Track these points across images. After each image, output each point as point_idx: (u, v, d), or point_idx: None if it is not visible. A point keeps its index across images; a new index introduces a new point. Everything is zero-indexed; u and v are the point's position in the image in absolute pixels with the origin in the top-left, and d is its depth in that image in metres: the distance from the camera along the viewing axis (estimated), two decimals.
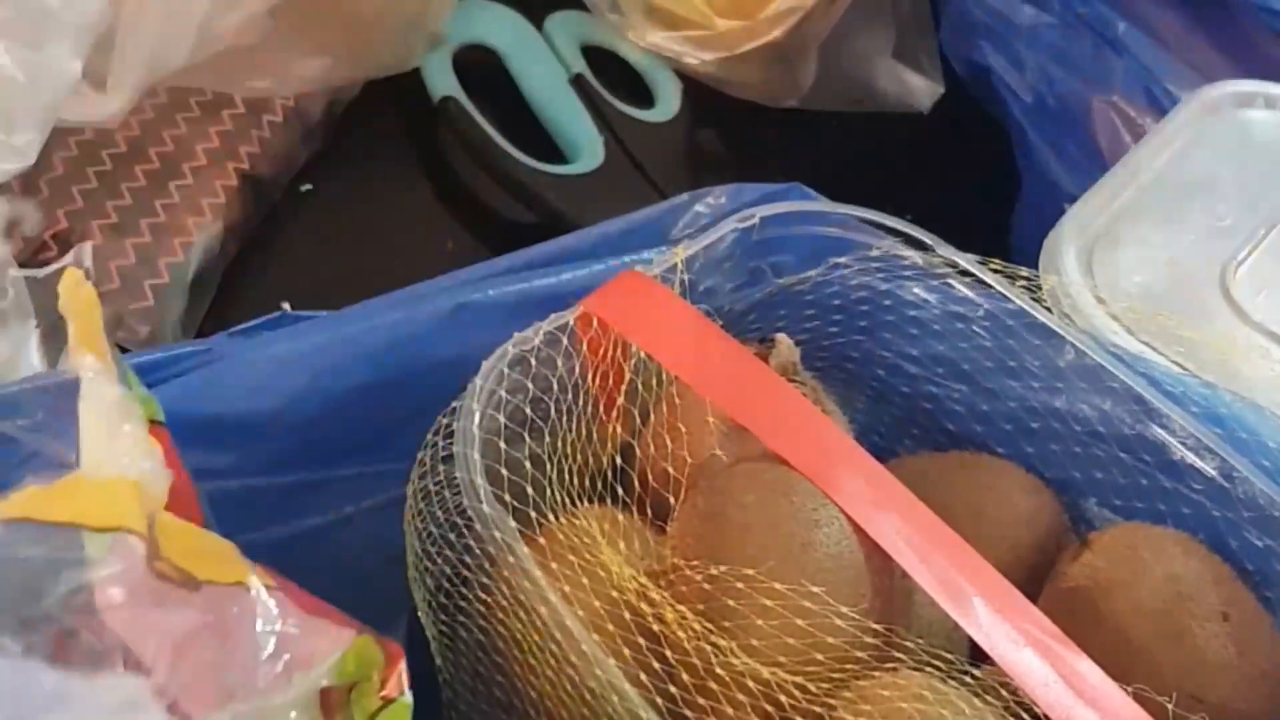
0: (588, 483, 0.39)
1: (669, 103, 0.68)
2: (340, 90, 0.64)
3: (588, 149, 0.64)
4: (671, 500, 0.38)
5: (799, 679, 0.33)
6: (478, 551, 0.36)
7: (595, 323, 0.40)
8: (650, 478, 0.40)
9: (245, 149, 0.59)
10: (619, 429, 0.41)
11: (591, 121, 0.65)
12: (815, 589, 0.34)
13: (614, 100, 0.66)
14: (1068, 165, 0.61)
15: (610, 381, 0.41)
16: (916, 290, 0.45)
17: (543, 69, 0.67)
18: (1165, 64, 0.60)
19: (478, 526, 0.35)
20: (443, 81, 0.64)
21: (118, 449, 0.27)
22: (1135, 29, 0.61)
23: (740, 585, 0.34)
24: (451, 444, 0.36)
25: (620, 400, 0.41)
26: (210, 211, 0.56)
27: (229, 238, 0.57)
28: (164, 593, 0.25)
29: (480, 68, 0.67)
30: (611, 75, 0.69)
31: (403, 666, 0.28)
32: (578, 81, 0.67)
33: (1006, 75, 0.65)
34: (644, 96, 0.69)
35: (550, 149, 0.65)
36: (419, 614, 0.40)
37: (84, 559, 0.24)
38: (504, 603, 0.35)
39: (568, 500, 0.38)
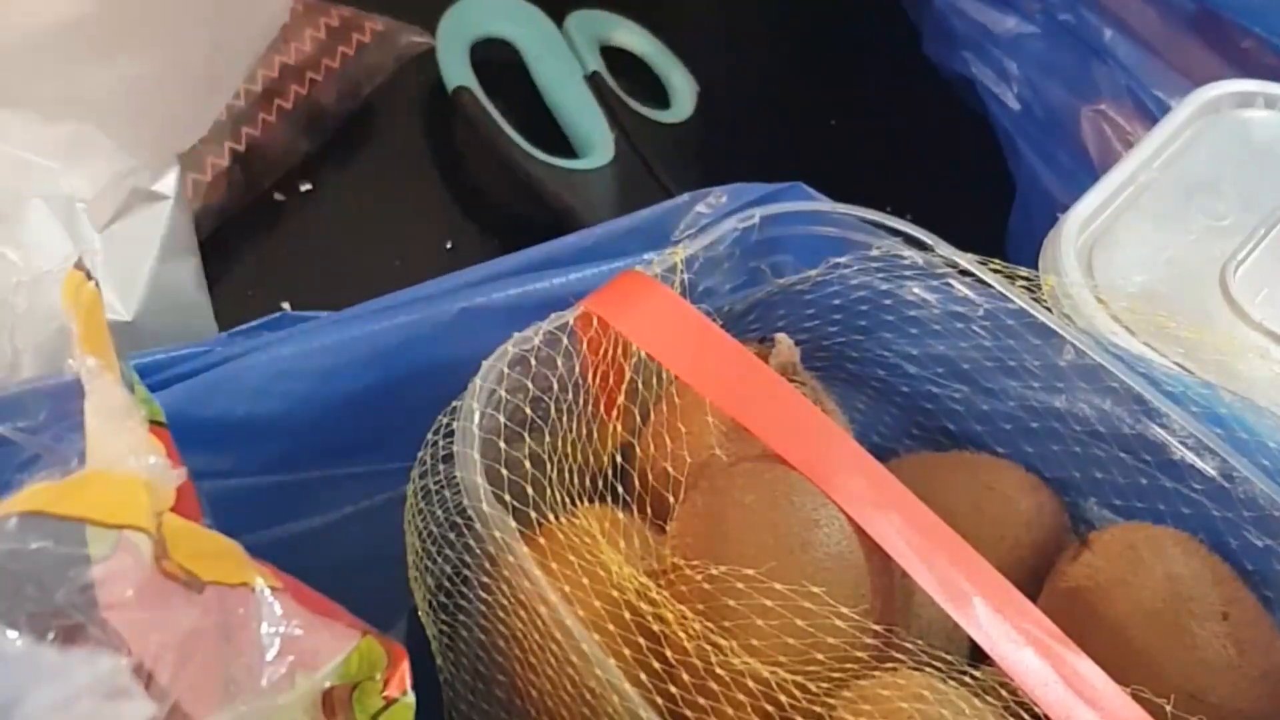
0: (588, 482, 0.39)
1: (683, 104, 0.68)
2: (359, 80, 0.64)
3: (598, 145, 0.64)
4: (671, 500, 0.38)
5: (799, 679, 0.33)
6: (478, 551, 0.36)
7: (595, 322, 0.40)
8: (650, 477, 0.40)
9: (247, 129, 0.59)
10: (619, 428, 0.41)
11: (604, 118, 0.65)
12: (815, 589, 0.34)
13: (628, 99, 0.67)
14: (1059, 175, 0.61)
15: (610, 381, 0.41)
16: (916, 290, 0.45)
17: (558, 64, 0.67)
18: (1153, 70, 0.60)
19: (478, 526, 0.35)
20: (458, 72, 0.64)
21: (124, 448, 0.27)
22: (1121, 36, 0.61)
23: (740, 585, 0.34)
24: (452, 443, 0.36)
25: (620, 399, 0.41)
26: (193, 189, 0.56)
27: (205, 216, 0.57)
28: (170, 593, 0.25)
29: (497, 61, 0.67)
30: (629, 75, 0.69)
31: (405, 667, 0.29)
32: (593, 79, 0.67)
33: (992, 85, 0.65)
34: (659, 97, 0.69)
35: (562, 144, 0.65)
36: (419, 614, 0.40)
37: (90, 556, 0.24)
38: (504, 602, 0.35)
39: (568, 500, 0.38)
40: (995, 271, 0.44)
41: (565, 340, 0.39)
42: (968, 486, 0.42)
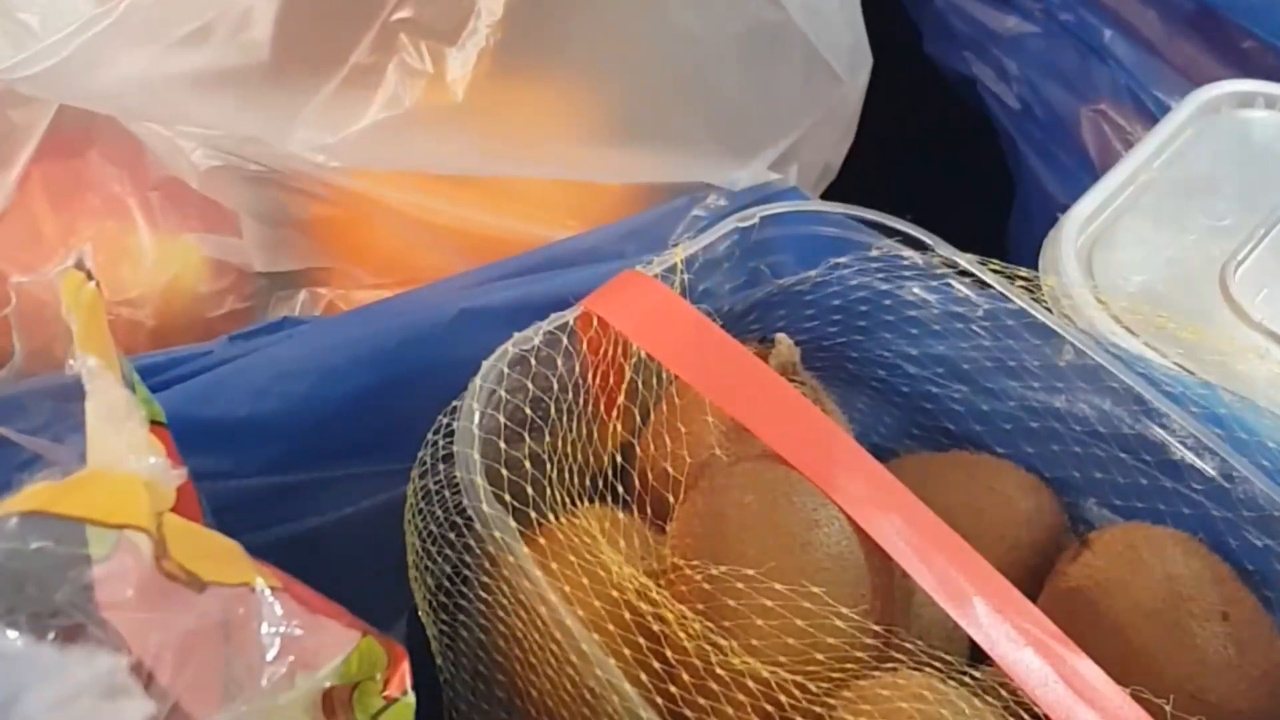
0: (588, 482, 0.39)
1: None
2: None
3: None
4: (671, 500, 0.38)
5: (799, 679, 0.33)
6: (478, 551, 0.36)
7: (595, 322, 0.40)
8: (650, 477, 0.40)
9: None
10: (619, 428, 0.41)
11: None
12: (815, 589, 0.34)
13: None
14: (1059, 175, 0.61)
15: (610, 381, 0.41)
16: (916, 290, 0.45)
17: None
18: (1152, 70, 0.60)
19: (478, 526, 0.35)
20: None
21: (125, 448, 0.27)
22: (1120, 36, 0.61)
23: (740, 585, 0.34)
24: (452, 443, 0.36)
25: (620, 399, 0.41)
26: None
27: None
28: (170, 593, 0.25)
29: None
30: None
31: (405, 667, 0.28)
32: None
33: (992, 85, 0.65)
34: None
35: None
36: (419, 614, 0.40)
37: (91, 556, 0.24)
38: (504, 602, 0.35)
39: (568, 500, 0.38)
40: (995, 271, 0.44)
41: (565, 340, 0.39)
42: (967, 487, 0.42)
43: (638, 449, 0.42)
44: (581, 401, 0.40)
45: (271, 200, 0.47)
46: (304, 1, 0.43)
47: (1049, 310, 0.44)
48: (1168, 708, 0.34)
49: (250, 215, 0.47)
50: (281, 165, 0.46)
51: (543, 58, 0.47)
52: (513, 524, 0.35)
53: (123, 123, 0.46)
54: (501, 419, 0.37)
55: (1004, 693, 0.34)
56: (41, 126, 0.47)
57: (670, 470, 0.39)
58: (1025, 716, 0.33)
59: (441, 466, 0.37)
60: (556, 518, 0.37)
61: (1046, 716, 0.33)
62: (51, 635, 0.24)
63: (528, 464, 0.37)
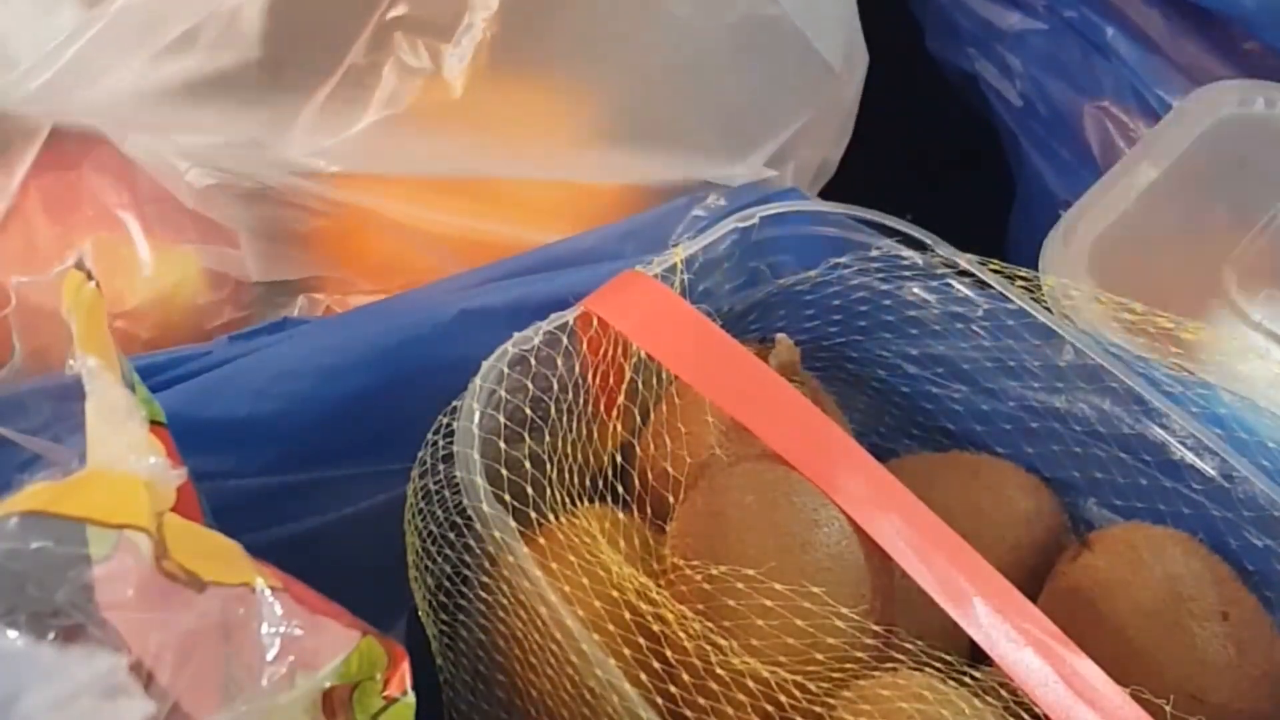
0: (588, 482, 0.39)
1: None
2: None
3: None
4: (671, 500, 0.38)
5: (799, 679, 0.33)
6: (478, 551, 0.36)
7: (595, 322, 0.40)
8: (650, 477, 0.40)
9: None
10: (619, 428, 0.41)
11: None
12: (815, 589, 0.34)
13: None
14: (1061, 172, 0.61)
15: (610, 380, 0.41)
16: (916, 290, 0.45)
17: None
18: (1155, 69, 0.60)
19: (478, 526, 0.35)
20: None
21: (125, 448, 0.27)
22: (1123, 34, 0.61)
23: (740, 585, 0.34)
24: (452, 443, 0.36)
25: (620, 399, 0.41)
26: None
27: None
28: (170, 593, 0.25)
29: None
30: None
31: (405, 667, 0.29)
32: None
33: (995, 82, 0.65)
34: None
35: None
36: (419, 614, 0.40)
37: (91, 556, 0.24)
38: (504, 602, 0.35)
39: (568, 500, 0.38)
40: (995, 272, 0.44)
41: (565, 340, 0.39)
42: (968, 487, 0.42)
43: (638, 449, 0.42)
44: (581, 401, 0.40)
45: (267, 215, 0.47)
46: (295, 1, 0.42)
47: (1049, 310, 0.44)
48: (1168, 708, 0.34)
49: (246, 230, 0.47)
50: (277, 179, 0.45)
51: (537, 52, 0.47)
52: (513, 524, 0.35)
53: (116, 145, 0.46)
54: (501, 419, 0.37)
55: (1004, 693, 0.34)
56: (38, 140, 0.46)
57: (670, 470, 0.39)
58: (1025, 716, 0.33)
59: (441, 466, 0.37)
60: (556, 518, 0.37)
61: (1046, 716, 0.33)
62: (51, 635, 0.24)
63: (528, 464, 0.37)
